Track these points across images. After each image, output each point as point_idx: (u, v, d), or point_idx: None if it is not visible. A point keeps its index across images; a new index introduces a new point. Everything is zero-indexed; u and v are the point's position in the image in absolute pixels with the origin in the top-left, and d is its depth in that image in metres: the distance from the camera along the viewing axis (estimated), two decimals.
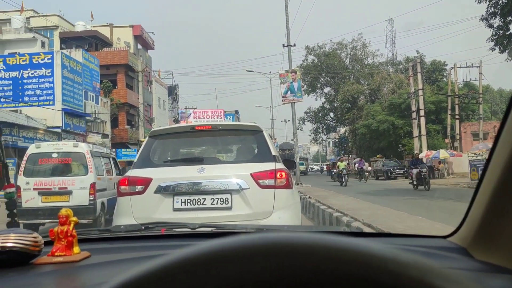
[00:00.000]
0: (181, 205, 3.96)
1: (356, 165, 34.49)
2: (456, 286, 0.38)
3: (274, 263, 0.38)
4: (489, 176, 1.06)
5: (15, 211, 6.70)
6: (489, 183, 1.05)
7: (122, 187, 4.16)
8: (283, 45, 21.39)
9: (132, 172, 4.26)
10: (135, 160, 4.49)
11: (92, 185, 8.83)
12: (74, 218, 1.34)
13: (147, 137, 4.69)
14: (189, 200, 3.97)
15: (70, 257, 1.28)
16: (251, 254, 0.38)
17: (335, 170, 27.46)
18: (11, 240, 1.15)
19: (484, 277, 0.99)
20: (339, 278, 0.38)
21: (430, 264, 0.39)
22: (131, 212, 4.01)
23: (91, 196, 8.74)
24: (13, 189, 6.69)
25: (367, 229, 5.36)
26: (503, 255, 1.02)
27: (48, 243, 1.31)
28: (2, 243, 1.14)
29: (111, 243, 1.63)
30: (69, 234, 1.31)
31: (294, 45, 21.55)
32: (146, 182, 4.04)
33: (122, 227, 2.01)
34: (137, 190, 4.06)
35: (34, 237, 1.20)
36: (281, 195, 4.02)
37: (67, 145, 9.48)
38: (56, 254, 1.29)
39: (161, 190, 3.99)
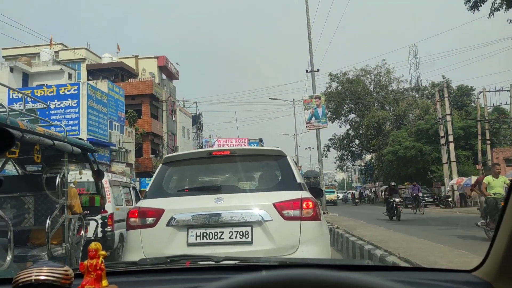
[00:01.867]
0: (196, 239, 3.60)
1: (409, 191, 29.40)
2: None
3: None
4: (511, 208, 1.03)
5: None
6: (511, 215, 1.02)
7: (132, 219, 3.82)
8: (307, 71, 21.17)
9: (143, 203, 3.92)
10: (147, 189, 4.13)
11: (110, 216, 8.52)
12: (103, 252, 1.40)
13: (161, 164, 4.33)
14: (205, 234, 3.60)
15: None
16: None
17: (393, 200, 18.54)
18: (44, 273, 1.20)
19: None
20: None
21: None
22: (141, 248, 3.65)
23: (109, 227, 8.41)
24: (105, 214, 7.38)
25: (403, 264, 4.84)
26: None
27: (78, 276, 1.35)
28: (36, 276, 1.19)
29: (137, 276, 1.66)
30: (98, 268, 1.36)
31: (318, 70, 21.31)
32: (157, 213, 3.70)
33: (148, 260, 2.01)
34: (147, 222, 3.73)
35: (65, 270, 1.25)
36: (308, 228, 3.63)
37: (85, 175, 9.23)
38: (85, 287, 1.34)
39: (174, 222, 3.64)
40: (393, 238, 7.53)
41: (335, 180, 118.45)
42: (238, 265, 1.89)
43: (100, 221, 7.02)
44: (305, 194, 3.80)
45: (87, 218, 6.25)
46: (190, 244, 3.58)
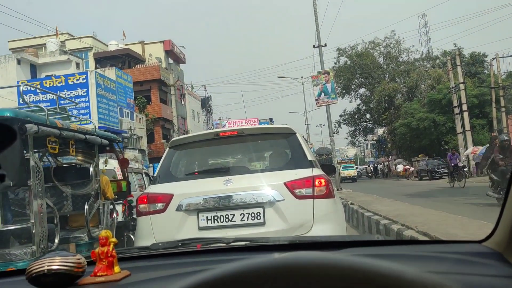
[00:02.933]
0: (207, 223, 3.53)
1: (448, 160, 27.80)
2: None
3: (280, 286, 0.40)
4: None
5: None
6: None
7: (141, 205, 3.75)
8: (314, 46, 20.77)
9: (152, 188, 3.86)
10: (155, 174, 4.07)
11: (125, 202, 8.56)
12: (114, 239, 1.42)
13: (167, 148, 4.24)
14: (215, 217, 3.52)
15: (111, 276, 1.35)
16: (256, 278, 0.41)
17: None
18: (57, 263, 1.22)
19: None
20: None
21: (434, 279, 0.40)
22: (152, 234, 3.60)
23: (122, 213, 8.46)
24: (132, 198, 7.71)
25: (421, 238, 4.73)
26: None
27: (90, 264, 1.38)
28: (48, 266, 1.21)
29: (149, 260, 1.67)
30: (109, 255, 1.38)
31: (325, 45, 20.88)
32: (167, 198, 3.63)
33: (160, 244, 2.04)
34: (157, 208, 3.66)
35: (78, 259, 1.27)
36: (321, 206, 3.52)
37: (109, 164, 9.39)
38: (98, 274, 1.35)
39: (184, 207, 3.57)
40: (410, 211, 7.41)
41: (347, 156, 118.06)
42: (248, 245, 1.89)
43: (127, 205, 7.47)
44: (317, 171, 3.70)
45: (117, 202, 6.73)
46: (201, 228, 3.52)
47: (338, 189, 19.48)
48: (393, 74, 49.31)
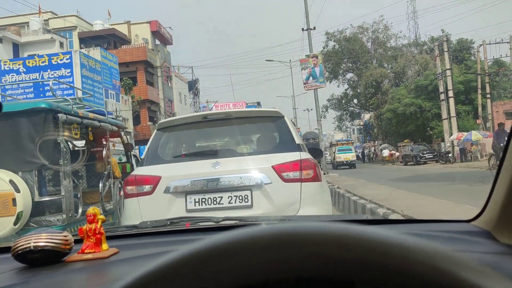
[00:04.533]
0: (195, 205, 3.53)
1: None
2: (463, 267, 0.38)
3: (278, 254, 0.39)
4: (509, 158, 1.05)
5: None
6: (509, 165, 1.04)
7: (129, 187, 3.74)
8: (303, 29, 20.60)
9: (139, 171, 3.86)
10: (143, 156, 4.07)
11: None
12: (102, 216, 1.39)
13: (155, 130, 4.22)
14: (203, 200, 3.53)
15: (99, 253, 1.33)
16: (254, 246, 0.40)
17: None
18: (43, 240, 1.21)
19: (508, 259, 0.98)
20: (347, 264, 0.39)
21: (436, 247, 0.40)
22: (140, 215, 3.56)
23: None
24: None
25: None
26: None
27: (78, 242, 1.37)
28: (34, 243, 1.20)
29: (138, 239, 1.67)
30: (97, 232, 1.37)
31: (314, 28, 20.68)
32: (154, 180, 3.62)
33: (149, 223, 2.02)
34: (145, 190, 3.65)
35: (65, 236, 1.26)
36: (308, 189, 3.55)
37: None
38: (86, 251, 1.34)
39: (171, 189, 3.56)
40: (395, 196, 7.45)
41: (333, 141, 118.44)
42: (237, 224, 1.89)
43: None
44: (305, 155, 3.72)
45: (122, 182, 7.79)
46: (189, 210, 3.51)
47: (324, 173, 19.59)
48: (381, 59, 49.38)
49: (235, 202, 3.50)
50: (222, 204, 3.50)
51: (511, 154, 1.06)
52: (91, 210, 1.39)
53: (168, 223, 1.92)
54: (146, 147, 4.14)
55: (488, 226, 1.19)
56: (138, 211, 3.63)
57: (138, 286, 0.41)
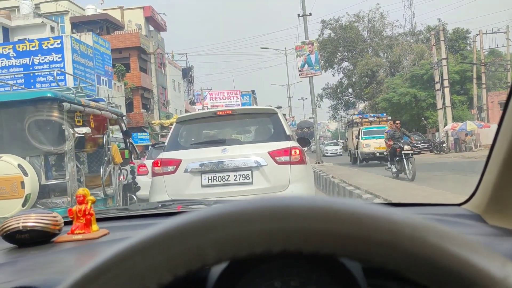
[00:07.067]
0: (208, 182, 4.46)
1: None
2: (449, 240, 0.38)
3: (261, 227, 0.39)
4: (499, 143, 1.08)
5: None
6: (500, 150, 1.07)
7: (156, 168, 4.66)
8: (298, 15, 20.25)
9: (164, 155, 4.75)
10: (165, 143, 5.02)
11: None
12: (91, 197, 1.38)
13: (175, 123, 5.19)
14: (215, 177, 4.45)
15: (89, 234, 1.33)
16: (237, 220, 0.39)
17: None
18: (32, 220, 1.21)
19: (497, 240, 1.01)
20: (333, 237, 0.38)
21: (425, 221, 0.40)
22: (165, 190, 4.49)
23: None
24: (133, 165, 9.20)
25: None
26: None
27: (69, 223, 1.37)
28: (23, 223, 1.20)
29: (129, 221, 1.68)
30: (87, 213, 1.36)
31: (310, 14, 20.31)
32: (176, 163, 4.54)
33: (140, 205, 2.06)
34: (169, 170, 4.56)
35: (54, 217, 1.26)
36: (296, 170, 4.49)
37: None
38: (75, 232, 1.34)
39: (190, 169, 4.48)
40: (391, 186, 7.29)
41: (329, 131, 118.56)
42: None
43: (129, 169, 8.71)
44: (293, 143, 4.64)
45: (123, 168, 8.02)
46: (204, 186, 4.45)
47: (318, 162, 19.39)
48: (377, 48, 49.04)
49: (239, 180, 4.44)
50: (229, 181, 4.44)
51: (501, 140, 1.08)
52: (80, 191, 1.39)
53: (160, 205, 1.98)
54: (168, 136, 5.14)
55: (478, 209, 1.22)
56: (164, 186, 4.52)
57: (94, 274, 0.40)
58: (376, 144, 20.23)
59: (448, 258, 0.37)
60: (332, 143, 51.30)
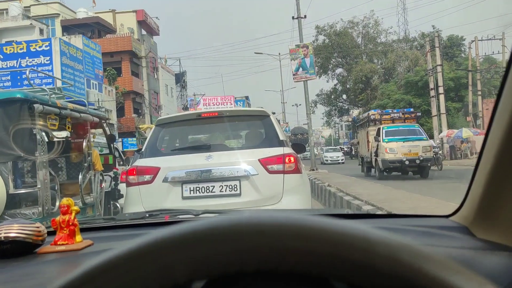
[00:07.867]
0: (190, 193, 3.96)
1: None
2: (428, 261, 0.38)
3: (238, 244, 0.38)
4: (486, 153, 1.06)
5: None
6: (487, 161, 1.05)
7: (131, 177, 4.17)
8: (293, 18, 19.80)
9: (140, 162, 4.30)
10: (143, 149, 4.51)
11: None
12: (76, 208, 1.37)
13: (154, 126, 4.74)
14: (197, 188, 3.97)
15: (73, 245, 1.31)
16: (214, 237, 0.39)
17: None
18: (14, 231, 1.18)
19: (484, 254, 0.99)
20: (307, 256, 0.38)
21: (401, 240, 0.39)
22: (141, 202, 3.99)
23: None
24: (117, 170, 8.66)
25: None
26: (503, 233, 1.02)
27: (52, 233, 1.35)
28: (5, 233, 1.18)
29: (115, 231, 1.65)
30: (70, 223, 1.34)
31: (305, 16, 19.90)
32: (154, 171, 4.05)
33: (127, 215, 2.04)
34: (145, 179, 4.08)
35: (37, 227, 1.24)
36: (290, 180, 4.01)
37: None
38: (58, 243, 1.31)
39: (169, 179, 4.00)
40: (395, 196, 6.76)
41: (322, 137, 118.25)
42: None
43: (112, 176, 8.23)
44: (287, 150, 4.14)
45: (105, 174, 7.59)
46: (185, 198, 3.93)
47: (313, 169, 18.90)
48: (371, 54, 48.88)
49: (225, 191, 3.92)
50: (214, 192, 3.93)
51: (488, 151, 1.04)
52: (64, 201, 1.37)
53: (147, 215, 1.92)
54: (146, 141, 4.58)
55: (466, 221, 1.20)
56: (139, 198, 4.02)
57: (75, 285, 0.39)
58: (404, 149, 15.53)
59: (423, 278, 0.37)
60: (332, 149, 46.80)
